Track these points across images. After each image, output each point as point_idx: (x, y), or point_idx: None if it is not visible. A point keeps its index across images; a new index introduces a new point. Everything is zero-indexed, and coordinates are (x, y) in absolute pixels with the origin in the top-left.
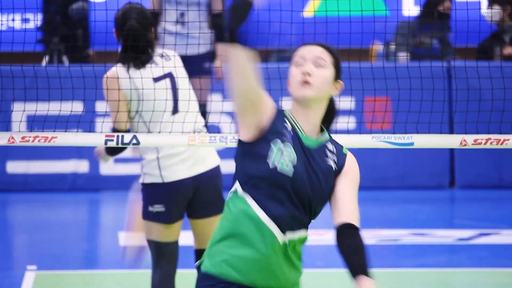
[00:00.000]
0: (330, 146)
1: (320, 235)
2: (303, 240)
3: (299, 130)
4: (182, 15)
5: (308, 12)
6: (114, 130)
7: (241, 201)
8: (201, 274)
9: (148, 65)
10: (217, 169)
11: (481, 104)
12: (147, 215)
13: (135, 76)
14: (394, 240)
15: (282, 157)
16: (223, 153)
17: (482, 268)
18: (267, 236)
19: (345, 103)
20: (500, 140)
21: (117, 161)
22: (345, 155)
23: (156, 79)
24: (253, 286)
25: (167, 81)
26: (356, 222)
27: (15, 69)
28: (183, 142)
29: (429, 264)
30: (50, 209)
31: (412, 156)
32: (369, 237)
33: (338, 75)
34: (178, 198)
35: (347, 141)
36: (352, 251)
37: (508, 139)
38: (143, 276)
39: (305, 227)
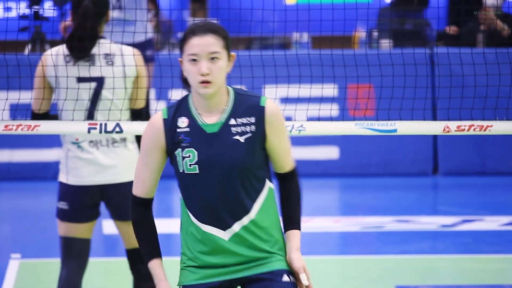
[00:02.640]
0: (234, 120)
1: (304, 222)
2: (255, 221)
3: (199, 120)
4: (118, 0)
5: None
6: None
7: (184, 210)
8: None
9: (86, 62)
10: (128, 184)
11: (464, 90)
12: (56, 210)
13: (60, 68)
14: (378, 227)
15: (184, 161)
16: None
17: (466, 254)
18: (211, 238)
19: (328, 90)
20: (483, 126)
21: None
22: (262, 113)
23: (81, 79)
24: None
25: (92, 85)
26: (288, 166)
27: None
28: None
29: (413, 250)
30: (34, 197)
31: (395, 143)
32: (353, 224)
33: (229, 52)
34: (83, 200)
35: (330, 128)
36: (284, 203)
37: (491, 126)
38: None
39: (248, 210)
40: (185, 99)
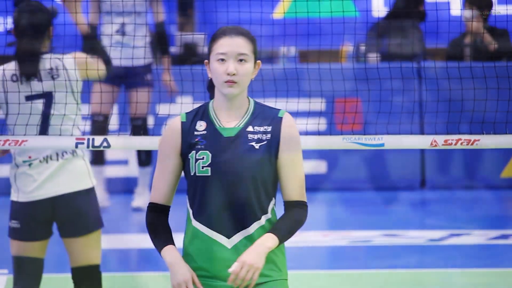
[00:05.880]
0: (251, 127)
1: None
2: (263, 232)
3: (217, 124)
4: (122, 25)
5: (278, 13)
6: None
7: (189, 221)
8: None
9: (33, 80)
10: (79, 194)
11: (451, 104)
12: (8, 229)
13: (9, 84)
14: (365, 241)
15: (197, 163)
16: None
17: (454, 268)
18: (216, 245)
19: (316, 104)
20: (470, 140)
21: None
22: (279, 124)
23: (29, 97)
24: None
25: (40, 101)
26: (297, 195)
27: None
28: (154, 145)
29: (401, 265)
30: None
31: (382, 157)
32: (341, 238)
33: (256, 59)
34: (34, 217)
35: (318, 142)
36: (280, 219)
37: (478, 140)
38: (116, 279)
39: (257, 217)
40: (205, 105)
